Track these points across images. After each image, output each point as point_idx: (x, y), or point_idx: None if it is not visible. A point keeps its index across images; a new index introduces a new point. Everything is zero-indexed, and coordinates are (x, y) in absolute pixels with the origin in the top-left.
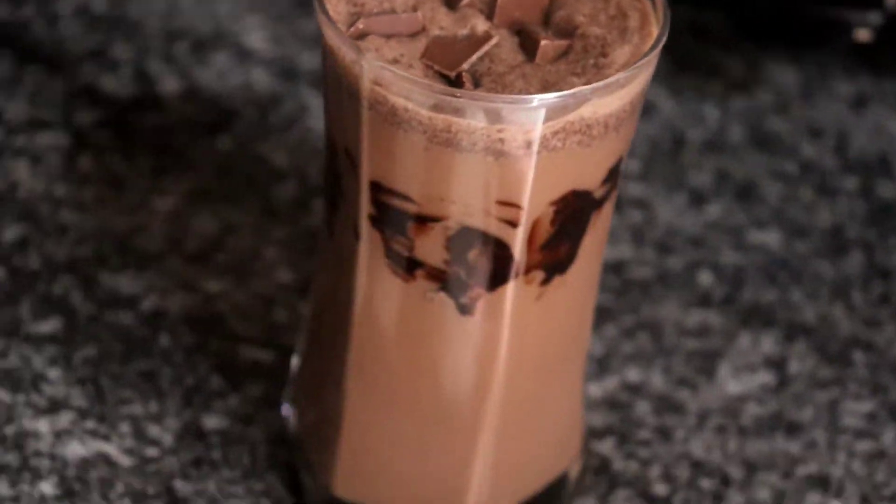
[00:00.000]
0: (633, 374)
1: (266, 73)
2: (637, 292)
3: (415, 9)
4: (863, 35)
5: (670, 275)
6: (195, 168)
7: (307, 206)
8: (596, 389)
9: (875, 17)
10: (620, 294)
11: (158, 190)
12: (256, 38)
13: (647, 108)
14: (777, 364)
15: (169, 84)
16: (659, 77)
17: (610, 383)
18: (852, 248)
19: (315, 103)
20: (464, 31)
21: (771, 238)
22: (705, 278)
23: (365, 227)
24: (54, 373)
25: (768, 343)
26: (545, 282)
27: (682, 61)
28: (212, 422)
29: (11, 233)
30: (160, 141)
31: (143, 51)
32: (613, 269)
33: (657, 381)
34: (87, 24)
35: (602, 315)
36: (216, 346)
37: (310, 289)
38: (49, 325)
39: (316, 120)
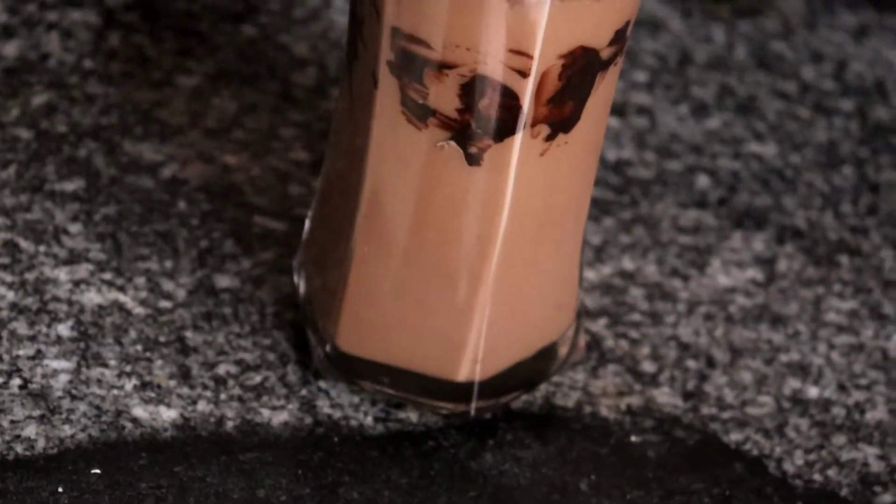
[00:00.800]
0: (627, 263)
1: None
2: (636, 190)
3: None
4: None
5: (669, 176)
6: (219, 52)
7: (325, 93)
8: (592, 275)
9: None
10: (620, 191)
11: (182, 69)
12: None
13: (655, 25)
14: (766, 262)
15: None
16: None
17: (606, 270)
18: (845, 163)
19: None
20: None
21: (768, 150)
22: (702, 181)
23: (383, 73)
24: (75, 227)
25: (759, 243)
26: (550, 137)
27: None
28: (223, 281)
29: (40, 98)
30: (186, 25)
31: None
32: (614, 168)
33: (651, 270)
34: None
35: (601, 208)
36: (231, 213)
37: (323, 157)
38: (72, 184)
39: (338, 13)
